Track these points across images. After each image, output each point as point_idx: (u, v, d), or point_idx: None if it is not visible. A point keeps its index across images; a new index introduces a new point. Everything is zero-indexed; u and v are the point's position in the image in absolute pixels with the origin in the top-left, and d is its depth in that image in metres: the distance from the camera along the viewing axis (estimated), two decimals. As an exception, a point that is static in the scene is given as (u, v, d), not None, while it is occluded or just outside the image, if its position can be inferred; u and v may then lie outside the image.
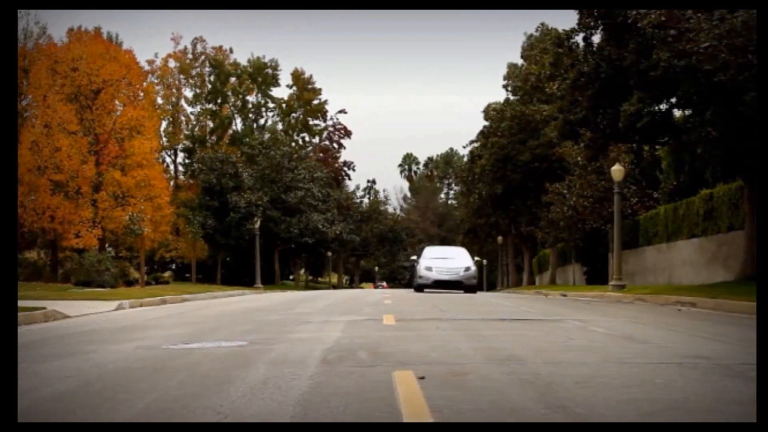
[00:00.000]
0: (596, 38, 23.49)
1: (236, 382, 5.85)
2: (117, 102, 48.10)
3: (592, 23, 22.80)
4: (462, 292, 30.76)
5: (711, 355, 7.36)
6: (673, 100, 23.46)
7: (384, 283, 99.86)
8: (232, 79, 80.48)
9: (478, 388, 5.45)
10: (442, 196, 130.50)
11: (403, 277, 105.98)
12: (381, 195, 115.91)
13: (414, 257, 37.84)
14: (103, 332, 11.28)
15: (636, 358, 7.10)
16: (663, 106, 23.97)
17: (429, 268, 32.16)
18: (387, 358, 6.97)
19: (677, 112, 25.48)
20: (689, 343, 8.75)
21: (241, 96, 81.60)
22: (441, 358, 7.03)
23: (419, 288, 32.30)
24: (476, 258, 33.00)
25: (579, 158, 37.29)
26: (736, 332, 10.55)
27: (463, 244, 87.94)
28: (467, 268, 32.24)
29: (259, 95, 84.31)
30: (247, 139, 77.44)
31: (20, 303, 14.25)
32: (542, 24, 57.91)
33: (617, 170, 28.56)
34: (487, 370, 6.29)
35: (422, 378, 5.76)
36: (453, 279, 31.70)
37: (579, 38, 23.90)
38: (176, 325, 12.24)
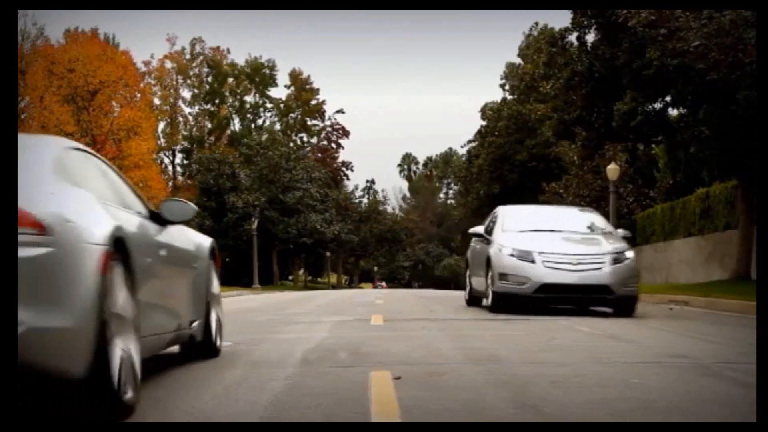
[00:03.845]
0: (590, 37, 23.54)
1: (213, 383, 5.86)
2: (114, 103, 48.18)
3: (585, 22, 22.84)
4: (604, 309, 14.07)
5: (693, 355, 7.37)
6: (668, 99, 23.50)
7: (383, 283, 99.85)
8: (230, 80, 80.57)
9: (453, 389, 5.45)
10: (441, 196, 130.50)
11: (403, 277, 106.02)
12: (380, 195, 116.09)
13: (477, 229, 16.48)
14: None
15: (616, 358, 7.10)
16: (657, 105, 24.01)
17: (525, 255, 13.84)
18: (367, 359, 6.97)
19: (674, 112, 25.53)
20: (674, 343, 8.75)
21: (238, 96, 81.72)
22: (421, 359, 7.04)
23: (497, 301, 13.95)
24: (621, 231, 15.78)
25: (575, 157, 37.33)
26: (724, 331, 10.57)
27: (461, 244, 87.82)
28: (618, 256, 13.94)
29: (257, 95, 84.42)
30: (245, 140, 77.53)
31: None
32: (536, 23, 57.91)
33: (612, 169, 28.60)
34: (464, 371, 6.29)
35: (398, 378, 5.76)
36: (589, 282, 13.56)
37: (573, 37, 23.95)
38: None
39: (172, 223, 6.27)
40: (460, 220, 68.91)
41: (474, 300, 16.30)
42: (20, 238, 3.87)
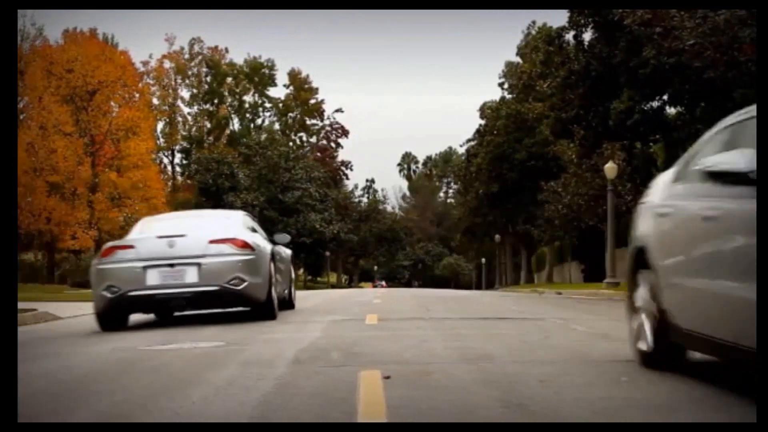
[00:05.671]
0: (587, 36, 23.55)
1: (203, 383, 5.86)
2: (112, 103, 48.17)
3: (582, 21, 22.85)
4: None
5: (690, 354, 7.32)
6: (665, 97, 23.52)
7: (383, 283, 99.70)
8: (229, 80, 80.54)
9: (442, 388, 5.45)
10: (441, 195, 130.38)
11: (402, 276, 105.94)
12: (380, 194, 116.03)
13: (723, 161, 4.66)
14: (88, 333, 11.32)
15: (607, 356, 7.10)
16: (654, 104, 24.04)
17: None
18: (358, 358, 6.97)
19: (671, 110, 25.52)
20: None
21: (237, 96, 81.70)
22: (413, 358, 7.03)
23: None
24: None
25: (573, 156, 37.28)
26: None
27: (461, 243, 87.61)
28: None
29: (256, 95, 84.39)
30: (245, 140, 77.49)
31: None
32: (533, 22, 57.83)
33: (610, 168, 28.54)
34: (455, 370, 6.29)
35: (388, 377, 5.75)
36: None
37: (570, 36, 23.95)
38: (161, 325, 12.25)
39: (278, 244, 13.58)
40: (459, 219, 68.83)
41: (666, 351, 6.13)
42: (244, 251, 11.45)
